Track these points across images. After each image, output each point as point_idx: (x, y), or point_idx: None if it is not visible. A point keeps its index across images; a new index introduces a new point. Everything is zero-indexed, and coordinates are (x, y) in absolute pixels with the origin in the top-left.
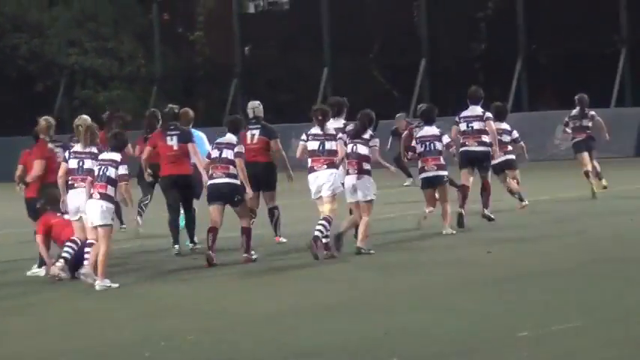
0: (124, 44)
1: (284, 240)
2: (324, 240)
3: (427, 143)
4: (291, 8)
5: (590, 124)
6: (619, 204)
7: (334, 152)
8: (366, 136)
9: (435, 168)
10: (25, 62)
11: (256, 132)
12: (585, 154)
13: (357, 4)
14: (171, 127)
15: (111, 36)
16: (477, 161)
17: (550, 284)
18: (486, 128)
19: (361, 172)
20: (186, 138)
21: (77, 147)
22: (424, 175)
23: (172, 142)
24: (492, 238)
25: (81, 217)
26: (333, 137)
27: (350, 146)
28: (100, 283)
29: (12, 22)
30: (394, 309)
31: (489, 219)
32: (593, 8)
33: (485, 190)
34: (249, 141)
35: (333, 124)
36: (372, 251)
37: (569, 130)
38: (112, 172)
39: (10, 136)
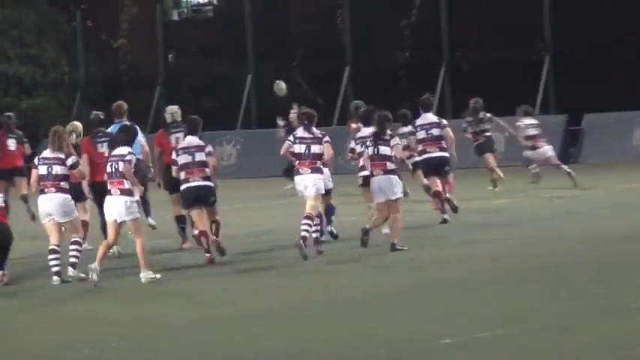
0: (47, 51)
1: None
2: (313, 235)
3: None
4: (214, 15)
5: (488, 126)
6: (542, 210)
7: (319, 155)
8: (386, 136)
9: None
10: None
11: (180, 135)
12: (487, 155)
13: (281, 12)
14: (100, 134)
15: (34, 43)
16: (440, 166)
17: (474, 291)
18: (443, 134)
19: (387, 172)
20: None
21: (46, 153)
22: (363, 174)
23: (103, 148)
24: (416, 245)
25: (52, 219)
26: (319, 140)
27: (372, 148)
28: (145, 275)
29: None
30: (318, 316)
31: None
32: (517, 15)
33: (439, 196)
34: (174, 144)
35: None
36: (405, 247)
37: (469, 136)
38: (121, 166)
39: None
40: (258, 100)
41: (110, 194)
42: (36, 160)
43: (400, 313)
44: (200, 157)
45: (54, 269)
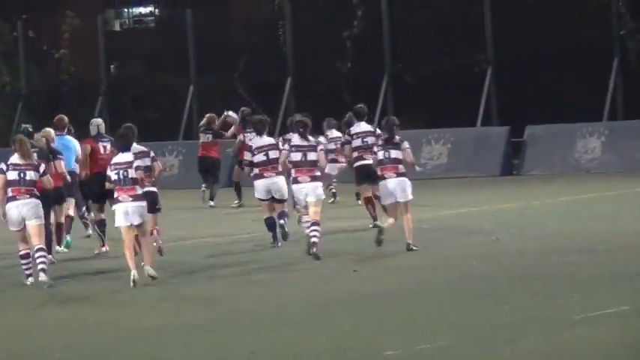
0: None
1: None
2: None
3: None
4: (156, 26)
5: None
6: (484, 223)
7: (315, 162)
8: (396, 140)
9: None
10: None
11: (107, 144)
12: None
13: (222, 23)
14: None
15: None
16: (373, 174)
17: (417, 302)
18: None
19: (399, 174)
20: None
21: (15, 159)
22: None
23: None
24: (358, 255)
25: (24, 227)
26: (314, 148)
27: (382, 152)
28: (149, 272)
29: None
30: (261, 327)
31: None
32: (459, 27)
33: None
34: (102, 152)
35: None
36: (416, 247)
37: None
38: (132, 173)
39: None
40: (200, 111)
41: (119, 201)
42: (3, 166)
43: (343, 323)
44: (146, 162)
45: (27, 272)
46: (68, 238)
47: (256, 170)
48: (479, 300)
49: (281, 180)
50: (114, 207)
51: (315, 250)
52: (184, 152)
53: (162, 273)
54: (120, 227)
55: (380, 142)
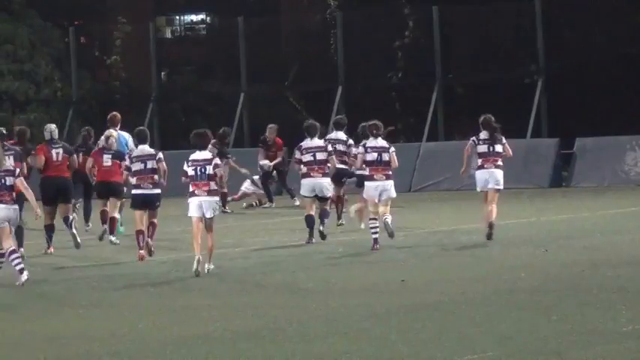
0: (40, 67)
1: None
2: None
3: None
4: (207, 34)
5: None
6: (533, 234)
7: (389, 162)
8: (498, 136)
9: (205, 194)
10: None
11: (60, 150)
12: None
13: (273, 31)
14: (5, 147)
15: (28, 59)
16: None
17: (465, 313)
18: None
19: (497, 166)
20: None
21: None
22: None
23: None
24: (406, 266)
25: (6, 226)
26: (387, 149)
27: (485, 146)
28: (209, 267)
29: None
30: (308, 336)
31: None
32: (511, 38)
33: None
34: (54, 158)
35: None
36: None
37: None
38: (209, 170)
39: None
40: (251, 119)
41: (195, 195)
42: None
43: (391, 333)
44: (151, 164)
45: (18, 267)
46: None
47: (304, 169)
48: (527, 311)
49: (326, 180)
50: (189, 199)
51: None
52: (234, 160)
53: (210, 280)
54: (191, 217)
55: (482, 137)
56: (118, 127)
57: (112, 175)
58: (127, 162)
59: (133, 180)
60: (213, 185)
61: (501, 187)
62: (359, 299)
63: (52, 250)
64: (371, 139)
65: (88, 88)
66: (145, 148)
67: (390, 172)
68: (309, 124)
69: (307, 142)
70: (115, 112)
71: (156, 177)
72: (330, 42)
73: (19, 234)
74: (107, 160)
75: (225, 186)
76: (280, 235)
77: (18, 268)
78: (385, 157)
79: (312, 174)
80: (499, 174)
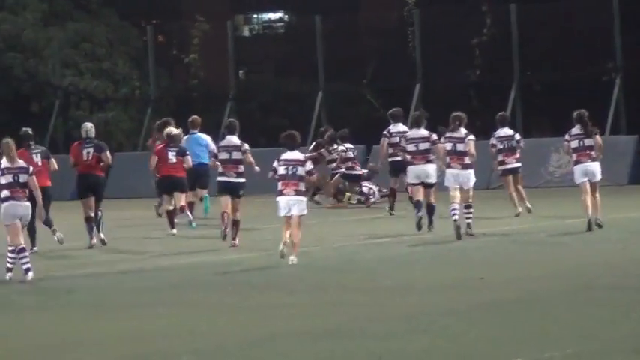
0: (119, 66)
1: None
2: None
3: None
4: (285, 32)
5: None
6: (611, 232)
7: (465, 152)
8: (590, 130)
9: (293, 193)
10: (20, 82)
11: (91, 149)
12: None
13: (351, 29)
14: (32, 147)
15: (106, 57)
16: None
17: (544, 310)
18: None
19: (592, 159)
20: (181, 152)
21: (4, 163)
22: None
23: (37, 159)
24: (485, 263)
25: (18, 223)
26: (463, 140)
27: (576, 142)
28: (293, 259)
29: (7, 42)
30: (388, 333)
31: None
32: (588, 35)
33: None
34: (85, 157)
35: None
36: (601, 223)
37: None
38: (301, 171)
39: None
40: (329, 117)
41: (283, 194)
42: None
43: (471, 330)
44: (236, 155)
45: (25, 266)
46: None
47: (409, 157)
48: (606, 308)
49: (430, 167)
50: (277, 198)
51: (469, 230)
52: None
53: (290, 278)
54: (280, 216)
55: (575, 133)
56: (198, 129)
57: (176, 170)
58: (215, 150)
59: (220, 168)
60: (302, 186)
61: (597, 178)
62: (438, 296)
63: (94, 241)
64: (450, 129)
65: (166, 87)
66: (232, 139)
67: (468, 162)
68: (417, 115)
69: (413, 133)
70: (195, 116)
71: (240, 167)
72: (408, 39)
73: (31, 232)
74: (172, 157)
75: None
76: (361, 234)
77: (25, 267)
78: (460, 147)
79: (415, 162)
80: (595, 167)
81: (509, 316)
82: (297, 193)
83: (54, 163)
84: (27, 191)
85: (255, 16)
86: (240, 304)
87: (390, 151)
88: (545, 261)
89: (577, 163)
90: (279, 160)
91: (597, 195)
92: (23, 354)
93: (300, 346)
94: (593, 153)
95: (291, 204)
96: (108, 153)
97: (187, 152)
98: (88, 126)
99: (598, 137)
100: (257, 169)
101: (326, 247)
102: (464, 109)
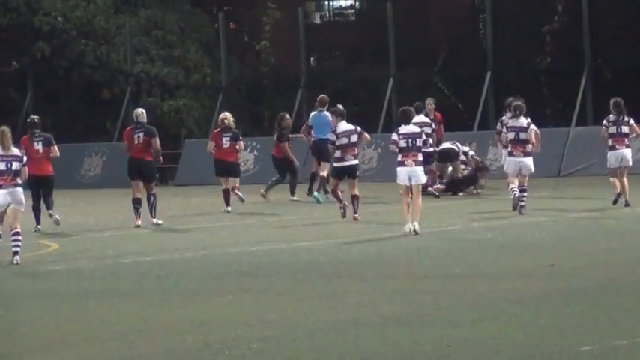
0: (190, 53)
1: (160, 222)
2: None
3: (409, 140)
4: (356, 19)
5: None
6: None
7: (527, 141)
8: (626, 118)
9: (414, 164)
10: (92, 70)
11: (141, 134)
12: None
13: (423, 16)
14: (36, 134)
15: (177, 45)
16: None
17: (614, 298)
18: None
19: (626, 146)
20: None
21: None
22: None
23: (38, 146)
24: (554, 250)
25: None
26: (525, 129)
27: (614, 127)
28: (415, 226)
29: (78, 29)
30: (456, 321)
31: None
32: None
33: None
34: (135, 141)
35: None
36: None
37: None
38: (419, 142)
39: (78, 142)
40: (400, 104)
41: (404, 165)
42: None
43: (540, 318)
44: (354, 139)
45: (14, 249)
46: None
47: (510, 147)
48: None
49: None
50: (398, 169)
51: (522, 210)
52: (383, 145)
53: (359, 266)
54: (401, 185)
55: (612, 119)
56: (326, 107)
57: (229, 155)
58: (333, 137)
59: (338, 153)
60: (420, 157)
61: (629, 164)
62: (507, 284)
63: (139, 222)
64: (513, 118)
65: (237, 74)
66: (347, 125)
67: (529, 150)
68: (518, 104)
69: (513, 122)
70: (323, 95)
71: (356, 150)
72: (479, 27)
73: (35, 212)
74: (226, 142)
75: None
76: (430, 221)
77: (13, 249)
78: (522, 136)
79: (514, 152)
80: (628, 153)
81: (578, 305)
82: (417, 163)
83: (56, 151)
84: (18, 178)
85: (326, 2)
86: (310, 292)
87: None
88: (614, 249)
89: (612, 148)
90: (398, 134)
91: (625, 179)
92: (94, 339)
93: (369, 334)
94: (627, 139)
95: (412, 174)
96: (157, 139)
97: (240, 137)
98: (139, 111)
99: (635, 125)
100: (368, 137)
101: (395, 235)
102: (534, 96)
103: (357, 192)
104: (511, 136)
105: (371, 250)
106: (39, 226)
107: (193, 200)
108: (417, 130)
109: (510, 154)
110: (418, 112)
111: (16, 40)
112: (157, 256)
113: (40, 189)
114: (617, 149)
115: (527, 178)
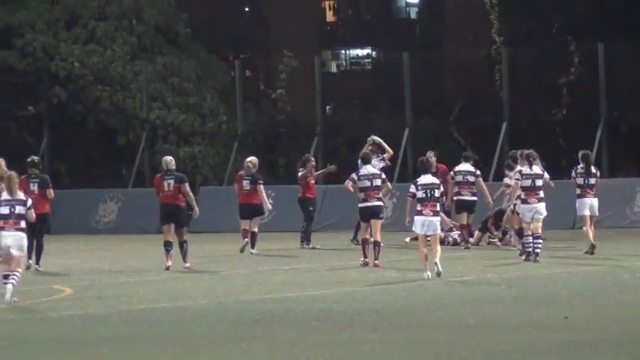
0: (206, 100)
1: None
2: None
3: (427, 190)
4: (373, 68)
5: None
6: None
7: (541, 187)
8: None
9: (432, 214)
10: (107, 115)
11: (172, 181)
12: None
13: (438, 67)
14: (32, 175)
15: (193, 92)
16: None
17: (628, 351)
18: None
19: (540, 200)
20: (44, 184)
21: (4, 195)
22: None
23: (34, 187)
24: (568, 303)
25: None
26: (541, 176)
27: (528, 181)
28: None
29: (95, 74)
30: None
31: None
32: None
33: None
34: (165, 188)
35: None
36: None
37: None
38: (437, 193)
39: (93, 188)
40: (416, 154)
41: (422, 214)
42: (30, 202)
43: None
44: (376, 182)
45: (7, 286)
46: None
47: (524, 195)
48: None
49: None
50: (415, 217)
51: (537, 257)
52: (398, 195)
53: (373, 315)
54: (418, 234)
55: (579, 170)
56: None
57: (252, 197)
58: (355, 177)
59: (361, 195)
60: (438, 207)
61: (596, 213)
62: (521, 336)
63: (170, 262)
64: (526, 167)
65: (253, 121)
66: (371, 169)
67: (542, 195)
68: (528, 154)
69: (526, 170)
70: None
71: (379, 193)
72: (495, 77)
73: (37, 250)
74: (246, 184)
75: None
76: (445, 271)
77: (10, 281)
78: (538, 182)
79: (529, 200)
80: (596, 202)
81: (591, 358)
82: (435, 214)
83: (51, 192)
84: (21, 222)
85: (343, 51)
86: (323, 341)
87: (456, 189)
88: (628, 302)
89: (581, 197)
90: (416, 185)
91: (593, 227)
92: None
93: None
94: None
95: (429, 223)
96: (187, 184)
97: (260, 180)
98: (168, 159)
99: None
100: (389, 186)
101: (410, 285)
102: (550, 147)
103: (379, 238)
104: (527, 183)
105: (385, 299)
106: (36, 265)
107: (207, 247)
108: (435, 180)
109: (525, 201)
110: (466, 160)
111: (33, 85)
112: (171, 303)
113: (35, 227)
114: (587, 197)
115: (541, 225)
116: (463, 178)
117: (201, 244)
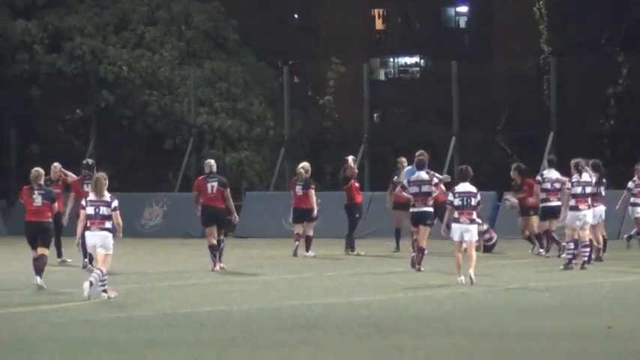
0: (253, 106)
1: (224, 266)
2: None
3: (464, 198)
4: (421, 77)
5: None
6: None
7: (593, 195)
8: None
9: (468, 222)
10: (154, 120)
11: (215, 183)
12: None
13: (487, 76)
14: (87, 177)
15: (241, 97)
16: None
17: None
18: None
19: (589, 207)
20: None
21: (91, 196)
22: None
23: (88, 188)
24: (612, 313)
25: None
26: (590, 183)
27: (579, 188)
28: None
29: (143, 79)
30: None
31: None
32: None
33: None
34: (209, 190)
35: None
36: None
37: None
38: (474, 201)
39: (139, 192)
40: (462, 163)
41: (459, 222)
42: (83, 202)
43: None
44: (425, 189)
45: (101, 288)
46: None
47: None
48: None
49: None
50: (452, 224)
51: (584, 265)
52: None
53: (417, 323)
54: (454, 240)
55: (575, 180)
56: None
57: (304, 202)
58: (405, 183)
59: (412, 200)
60: (475, 215)
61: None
62: (564, 345)
63: (217, 267)
64: (576, 175)
65: (300, 128)
66: (422, 175)
67: (590, 203)
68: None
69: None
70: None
71: (429, 200)
72: (543, 87)
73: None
74: (299, 190)
75: None
76: (488, 279)
77: (100, 289)
78: (588, 189)
79: (580, 206)
80: (589, 213)
81: None
82: (471, 221)
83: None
84: (105, 222)
85: (391, 59)
86: (366, 347)
87: (543, 195)
88: None
89: (574, 209)
90: (453, 193)
91: (587, 234)
92: None
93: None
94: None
95: (464, 231)
96: (229, 190)
97: (312, 185)
98: (212, 162)
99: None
100: (443, 188)
101: (454, 292)
102: (597, 158)
103: (423, 244)
104: (578, 190)
105: (428, 306)
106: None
107: (253, 252)
108: (473, 189)
109: (574, 208)
110: (550, 166)
111: (80, 89)
112: (215, 307)
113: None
114: (580, 210)
115: (588, 232)
116: (551, 186)
117: (246, 249)
